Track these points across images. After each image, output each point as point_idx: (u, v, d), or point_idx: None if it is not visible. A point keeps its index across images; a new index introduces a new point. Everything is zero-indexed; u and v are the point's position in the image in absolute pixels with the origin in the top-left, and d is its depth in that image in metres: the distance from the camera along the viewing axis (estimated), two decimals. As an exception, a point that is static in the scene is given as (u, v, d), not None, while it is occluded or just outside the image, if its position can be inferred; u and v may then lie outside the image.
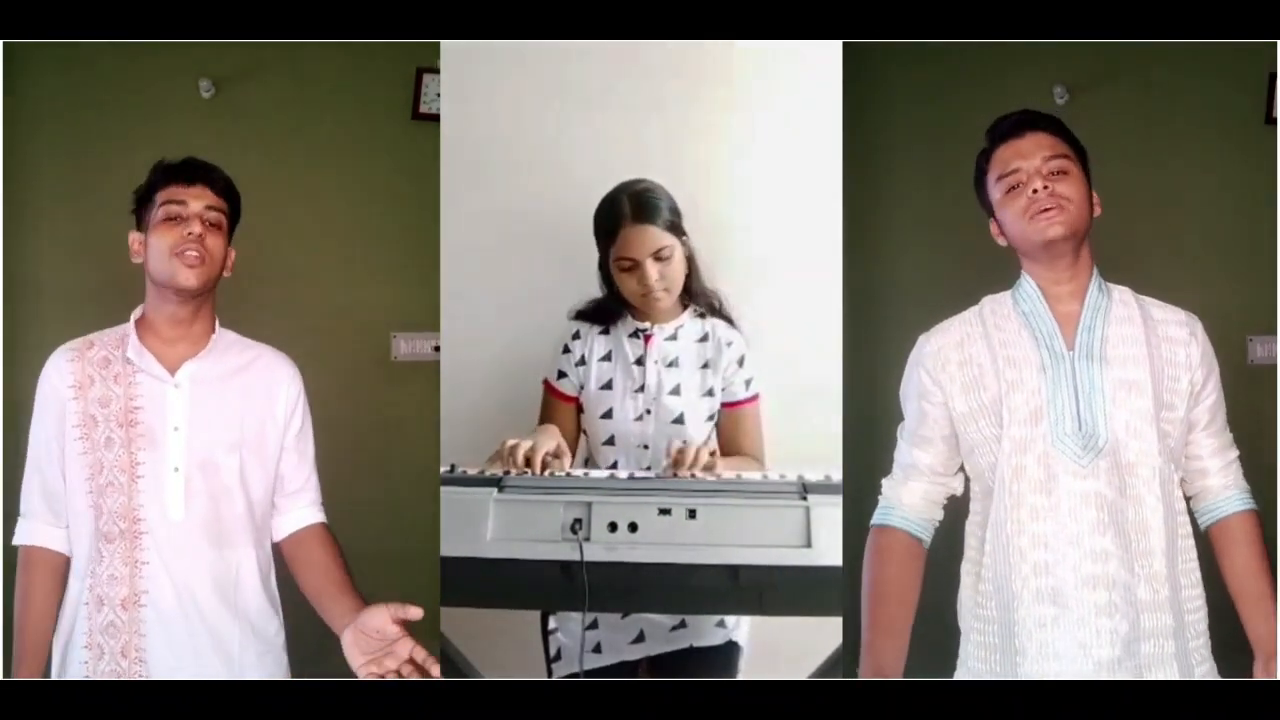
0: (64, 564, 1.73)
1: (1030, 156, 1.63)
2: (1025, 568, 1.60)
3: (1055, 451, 1.61)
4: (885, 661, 1.65)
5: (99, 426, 1.69)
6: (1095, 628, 1.57)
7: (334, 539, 1.82)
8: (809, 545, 1.68)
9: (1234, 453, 1.69)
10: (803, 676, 2.10)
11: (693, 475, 1.89)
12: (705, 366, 2.15)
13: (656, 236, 2.05)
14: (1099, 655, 1.57)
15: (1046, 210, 1.61)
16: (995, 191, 1.66)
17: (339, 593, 1.70)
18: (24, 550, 1.74)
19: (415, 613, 1.52)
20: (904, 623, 1.68)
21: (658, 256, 2.06)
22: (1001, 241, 1.69)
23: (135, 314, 1.76)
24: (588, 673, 2.06)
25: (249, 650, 1.73)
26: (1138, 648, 1.57)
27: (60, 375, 1.72)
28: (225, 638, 1.71)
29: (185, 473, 1.69)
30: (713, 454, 1.99)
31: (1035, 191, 1.61)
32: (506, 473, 1.87)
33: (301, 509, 1.82)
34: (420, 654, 1.52)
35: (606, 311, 2.18)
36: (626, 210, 2.06)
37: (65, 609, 1.72)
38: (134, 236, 1.74)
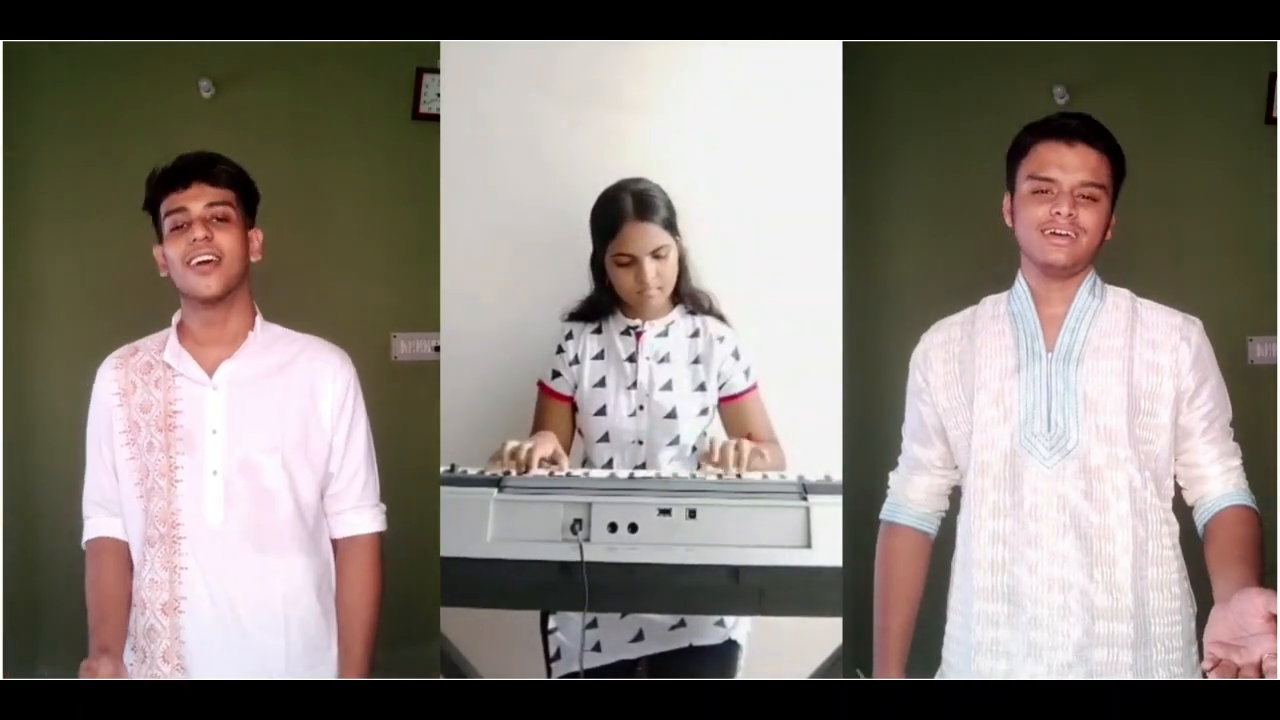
0: (129, 550, 1.71)
1: (1070, 172, 1.59)
2: (984, 564, 1.62)
3: (1023, 451, 1.61)
4: (892, 663, 1.72)
5: (142, 432, 1.67)
6: (1049, 629, 1.57)
7: (374, 557, 1.76)
8: (809, 545, 1.68)
9: (1236, 460, 1.65)
10: (803, 676, 2.10)
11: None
12: (696, 362, 2.16)
13: (656, 235, 2.07)
14: (1050, 658, 1.57)
15: (1060, 236, 1.59)
16: (1023, 184, 1.63)
17: (351, 635, 1.73)
18: (93, 544, 1.72)
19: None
20: (908, 623, 1.74)
21: (655, 255, 2.08)
22: (1009, 221, 1.67)
23: (176, 317, 1.73)
24: (587, 672, 2.06)
25: (298, 664, 1.69)
26: (1090, 654, 1.56)
27: (106, 384, 1.71)
28: (267, 647, 1.67)
29: (225, 476, 1.66)
30: (749, 437, 2.02)
31: (1059, 214, 1.59)
32: (507, 473, 1.87)
33: (345, 513, 1.75)
34: None
35: (597, 308, 2.20)
36: (629, 207, 2.07)
37: None
38: (157, 250, 1.69)
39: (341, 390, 1.73)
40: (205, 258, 1.64)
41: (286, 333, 1.77)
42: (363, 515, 1.76)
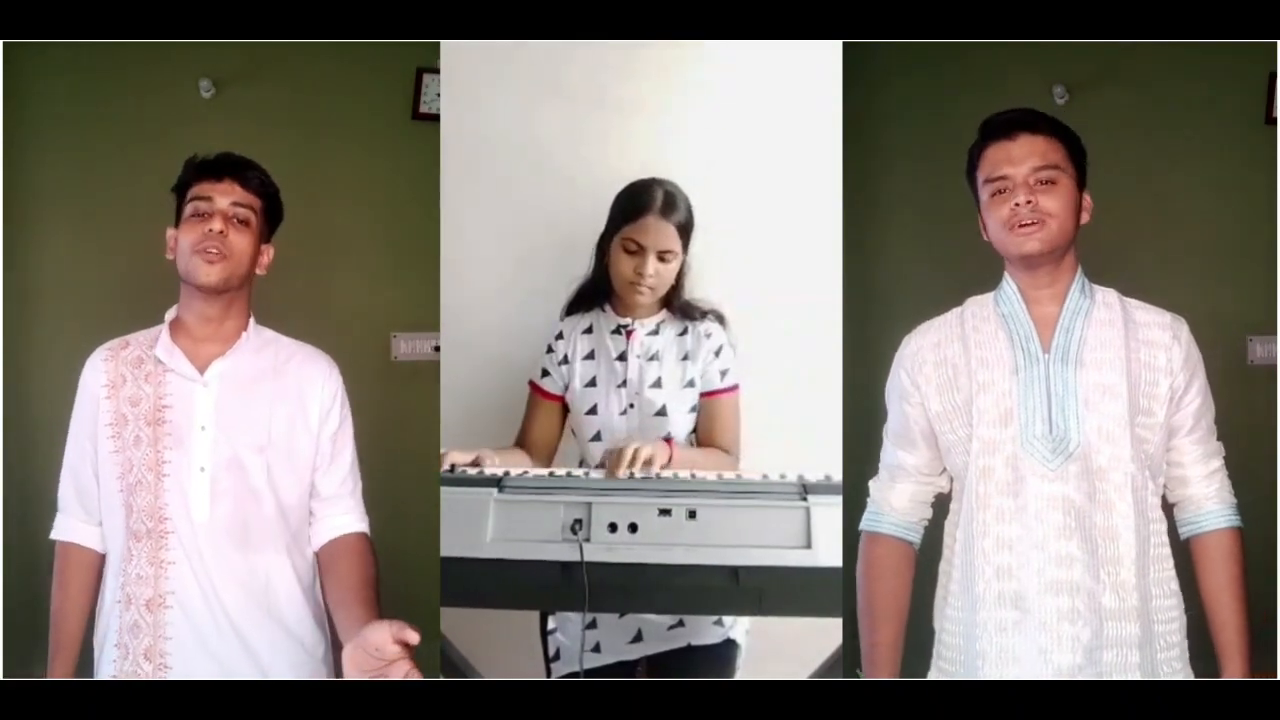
0: (97, 560, 1.73)
1: (1019, 163, 1.59)
2: (989, 570, 1.59)
3: (1024, 454, 1.59)
4: (883, 674, 1.67)
5: (129, 425, 1.68)
6: (1056, 633, 1.55)
7: (368, 550, 1.75)
8: (809, 546, 1.68)
9: (1217, 462, 1.65)
10: (803, 676, 2.10)
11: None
12: (685, 359, 2.17)
13: (670, 236, 2.10)
14: (1059, 661, 1.55)
15: (1026, 225, 1.58)
16: (982, 192, 1.64)
17: (352, 603, 1.64)
18: (59, 546, 1.74)
19: (414, 637, 1.40)
20: (899, 636, 1.69)
21: (662, 257, 2.10)
22: (985, 236, 1.66)
23: (170, 314, 1.74)
24: (586, 672, 2.06)
25: (281, 657, 1.69)
26: (1100, 655, 1.55)
27: (95, 375, 1.71)
28: (255, 643, 1.68)
29: (211, 473, 1.67)
30: (709, 438, 2.07)
31: (1018, 204, 1.58)
32: (507, 473, 1.87)
33: (335, 517, 1.76)
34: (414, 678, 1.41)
35: (594, 293, 2.22)
36: (658, 201, 2.10)
37: (103, 606, 1.72)
38: (170, 233, 1.72)
39: (330, 397, 1.76)
40: (214, 249, 1.67)
41: (278, 338, 1.79)
42: (349, 517, 1.77)
